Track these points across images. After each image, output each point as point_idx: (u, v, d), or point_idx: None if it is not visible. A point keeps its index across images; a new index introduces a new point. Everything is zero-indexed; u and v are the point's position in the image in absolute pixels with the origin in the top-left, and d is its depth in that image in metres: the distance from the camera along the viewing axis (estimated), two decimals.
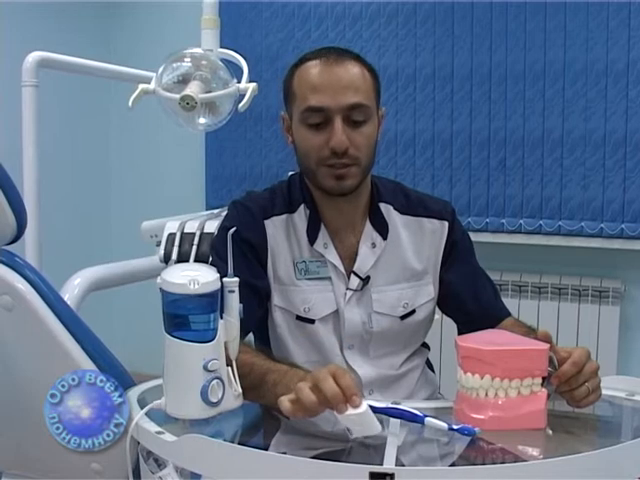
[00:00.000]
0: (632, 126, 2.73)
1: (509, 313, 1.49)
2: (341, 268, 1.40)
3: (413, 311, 1.43)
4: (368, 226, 1.42)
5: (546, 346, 1.14)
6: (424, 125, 3.00)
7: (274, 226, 1.41)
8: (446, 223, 1.46)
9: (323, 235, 1.41)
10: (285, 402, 1.05)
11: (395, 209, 1.45)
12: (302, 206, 1.43)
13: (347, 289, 1.40)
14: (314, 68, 1.34)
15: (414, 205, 1.47)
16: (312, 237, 1.40)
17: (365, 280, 1.40)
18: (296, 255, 1.41)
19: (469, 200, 2.97)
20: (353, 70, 1.34)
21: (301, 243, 1.41)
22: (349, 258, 1.41)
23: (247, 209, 1.43)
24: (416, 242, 1.44)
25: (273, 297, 1.40)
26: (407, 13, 3.01)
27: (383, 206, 1.45)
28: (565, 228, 2.84)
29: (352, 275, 1.40)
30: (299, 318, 1.40)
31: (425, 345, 1.55)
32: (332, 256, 1.40)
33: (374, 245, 1.41)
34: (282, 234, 1.41)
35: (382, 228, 1.42)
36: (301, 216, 1.42)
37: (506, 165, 2.92)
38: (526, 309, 2.83)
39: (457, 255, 1.46)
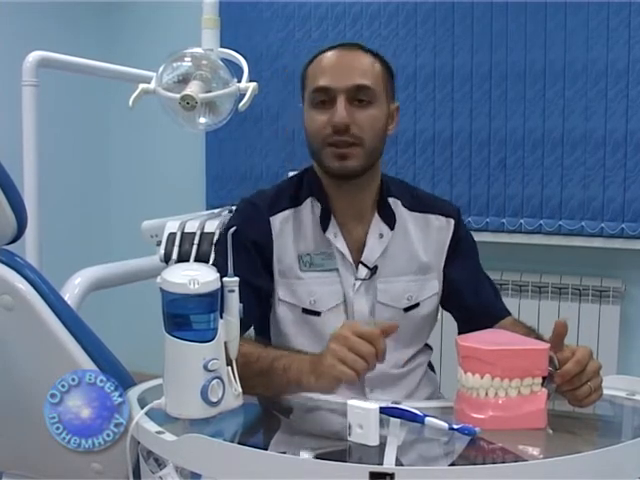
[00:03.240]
0: (632, 126, 2.73)
1: (509, 313, 1.49)
2: (349, 258, 1.41)
3: (417, 304, 1.45)
4: (376, 218, 1.44)
5: (546, 346, 1.14)
6: (424, 124, 3.00)
7: (280, 222, 1.42)
8: (452, 220, 1.49)
9: (333, 225, 1.42)
10: (341, 368, 1.11)
11: (403, 205, 1.47)
12: (309, 199, 1.45)
13: (356, 279, 1.41)
14: (326, 55, 1.40)
15: (421, 202, 1.50)
16: (324, 226, 1.42)
17: (373, 270, 1.41)
18: (301, 248, 1.42)
19: (469, 199, 2.97)
20: (363, 58, 1.39)
21: (307, 236, 1.42)
22: (356, 250, 1.43)
23: (254, 206, 1.44)
24: (423, 237, 1.47)
25: (278, 292, 1.41)
26: (407, 13, 3.01)
27: (392, 200, 1.47)
28: (565, 228, 2.84)
29: (360, 265, 1.41)
30: (305, 311, 1.41)
31: (428, 346, 1.55)
32: (341, 245, 1.41)
33: (381, 236, 1.43)
34: (289, 229, 1.42)
35: (390, 219, 1.45)
36: (308, 209, 1.44)
37: (506, 165, 2.92)
38: (526, 309, 2.82)
39: (460, 252, 1.49)
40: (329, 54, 1.40)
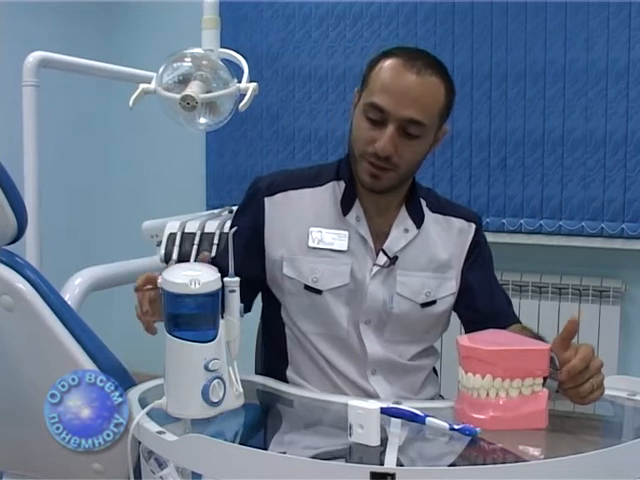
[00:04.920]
0: (632, 126, 2.73)
1: (518, 321, 1.50)
2: (371, 243, 1.42)
3: (434, 302, 1.45)
4: (403, 212, 1.46)
5: (547, 346, 1.14)
6: None
7: (283, 200, 1.44)
8: (473, 225, 1.51)
9: (356, 209, 1.43)
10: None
11: (426, 206, 1.49)
12: (333, 183, 1.46)
13: (374, 264, 1.42)
14: (395, 67, 1.34)
15: (445, 206, 1.52)
16: (345, 208, 1.43)
17: (392, 260, 1.42)
18: (313, 224, 1.43)
19: (469, 200, 2.96)
20: (429, 86, 1.33)
21: (322, 214, 1.43)
22: (376, 238, 1.43)
23: (255, 188, 1.47)
24: (444, 238, 1.48)
25: (283, 267, 1.42)
26: (407, 13, 3.01)
27: (420, 200, 1.49)
28: (565, 228, 2.84)
29: (380, 252, 1.42)
30: (307, 288, 1.42)
31: (435, 350, 1.56)
32: (364, 230, 1.42)
33: (406, 230, 1.45)
34: (295, 206, 1.44)
35: (417, 217, 1.46)
36: (329, 191, 1.46)
37: (506, 165, 2.91)
38: (526, 309, 2.83)
39: (478, 256, 1.50)
40: (396, 67, 1.33)
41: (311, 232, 1.42)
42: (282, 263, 1.42)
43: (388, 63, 1.35)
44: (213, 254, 2.00)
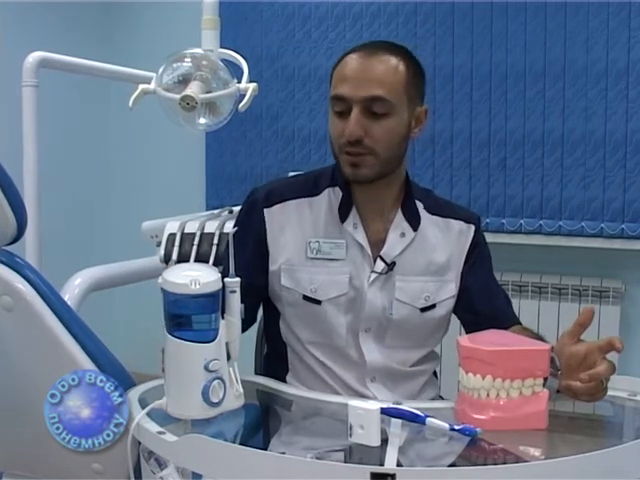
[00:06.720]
0: (632, 126, 2.73)
1: (519, 321, 1.49)
2: (368, 250, 1.41)
3: (434, 306, 1.45)
4: (399, 216, 1.45)
5: (547, 346, 1.15)
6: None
7: (281, 211, 1.43)
8: (473, 226, 1.50)
9: (354, 216, 1.43)
10: None
11: (424, 208, 1.48)
12: (328, 190, 1.46)
13: (372, 272, 1.41)
14: (350, 58, 1.37)
15: (443, 207, 1.51)
16: (343, 215, 1.42)
17: (390, 266, 1.41)
18: (311, 235, 1.42)
19: (469, 200, 2.97)
20: (384, 64, 1.35)
21: (319, 223, 1.43)
22: (373, 244, 1.43)
23: (253, 199, 1.47)
24: (443, 240, 1.47)
25: (281, 278, 1.42)
26: (407, 13, 3.01)
27: (416, 202, 1.48)
28: (565, 228, 2.84)
29: (378, 259, 1.42)
30: (306, 298, 1.41)
31: (436, 354, 1.56)
32: (361, 237, 1.42)
33: (403, 235, 1.44)
34: (292, 217, 1.43)
35: (413, 220, 1.45)
36: (325, 199, 1.45)
37: (506, 165, 2.92)
38: (526, 309, 2.82)
39: (478, 257, 1.50)
40: (352, 58, 1.37)
41: (309, 242, 1.42)
42: (280, 274, 1.42)
43: (344, 59, 1.38)
44: (213, 254, 2.00)
